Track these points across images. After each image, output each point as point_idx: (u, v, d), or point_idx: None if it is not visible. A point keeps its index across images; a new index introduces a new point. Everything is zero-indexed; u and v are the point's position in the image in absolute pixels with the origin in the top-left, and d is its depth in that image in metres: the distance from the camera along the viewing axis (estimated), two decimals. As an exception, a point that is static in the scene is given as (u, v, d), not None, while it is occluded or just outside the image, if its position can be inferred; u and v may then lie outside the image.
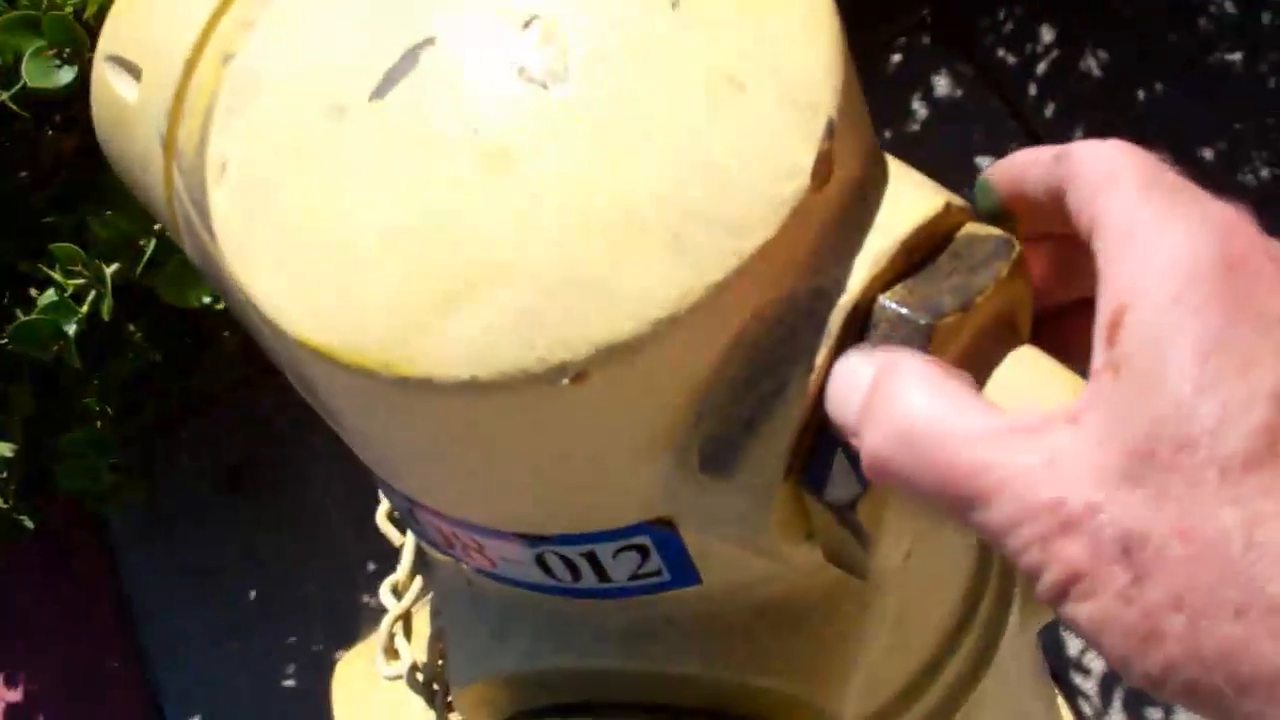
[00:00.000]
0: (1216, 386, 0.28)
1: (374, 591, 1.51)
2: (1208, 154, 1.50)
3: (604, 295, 0.35)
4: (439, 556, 0.49)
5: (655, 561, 0.43)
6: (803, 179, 0.36)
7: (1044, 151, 0.37)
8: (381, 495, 0.66)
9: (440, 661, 0.61)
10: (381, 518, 0.65)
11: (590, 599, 0.45)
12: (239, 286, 0.39)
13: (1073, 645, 1.36)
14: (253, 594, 1.57)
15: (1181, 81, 1.54)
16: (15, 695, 1.67)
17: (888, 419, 0.33)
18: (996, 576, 0.60)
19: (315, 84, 0.39)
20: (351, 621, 1.52)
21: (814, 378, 0.37)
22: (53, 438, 1.24)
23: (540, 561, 0.43)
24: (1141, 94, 1.52)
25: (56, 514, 1.34)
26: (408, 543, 0.64)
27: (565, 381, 0.35)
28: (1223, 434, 0.28)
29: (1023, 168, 0.38)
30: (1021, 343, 0.40)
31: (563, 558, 0.43)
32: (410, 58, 0.38)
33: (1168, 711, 1.33)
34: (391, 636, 0.62)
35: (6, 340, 1.21)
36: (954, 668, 0.59)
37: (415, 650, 0.62)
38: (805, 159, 0.36)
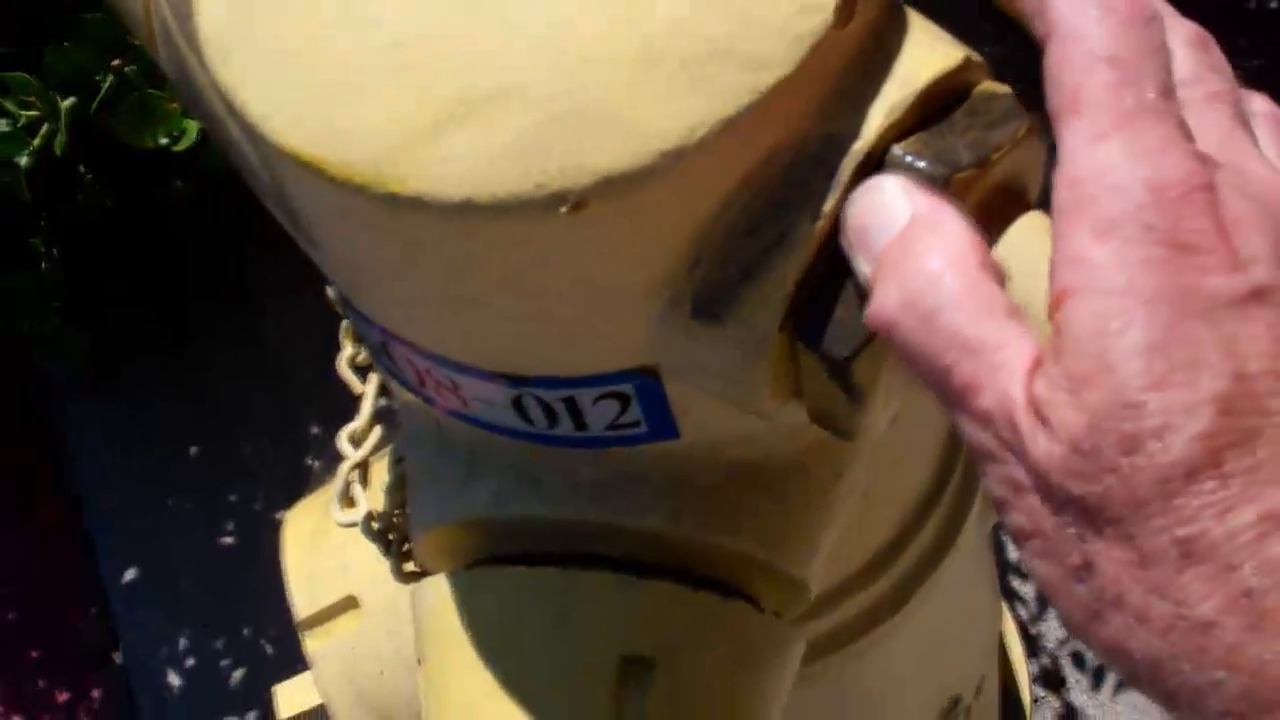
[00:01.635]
0: (1163, 387, 0.27)
1: (318, 454, 1.50)
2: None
3: (610, 124, 0.34)
4: (408, 397, 0.48)
5: (635, 412, 0.42)
6: (825, 15, 0.34)
7: None
8: (342, 341, 0.65)
9: (397, 510, 0.60)
10: (343, 364, 0.64)
11: (564, 447, 0.44)
12: (223, 94, 0.37)
13: (1013, 550, 1.38)
14: (193, 450, 1.56)
15: None
16: (-53, 538, 1.66)
17: (917, 283, 0.32)
18: (964, 460, 0.60)
19: (314, -118, 0.37)
20: (293, 483, 1.51)
21: (820, 226, 0.36)
22: (-1, 278, 1.21)
23: (518, 405, 0.42)
24: None
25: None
26: (368, 390, 0.63)
27: (563, 210, 0.34)
28: (1168, 437, 0.27)
29: None
30: (1030, 209, 0.39)
31: (541, 402, 0.42)
32: None
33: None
34: (348, 484, 0.61)
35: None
36: (918, 546, 0.59)
37: (372, 499, 0.61)
38: (829, -6, 0.34)
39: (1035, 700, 1.32)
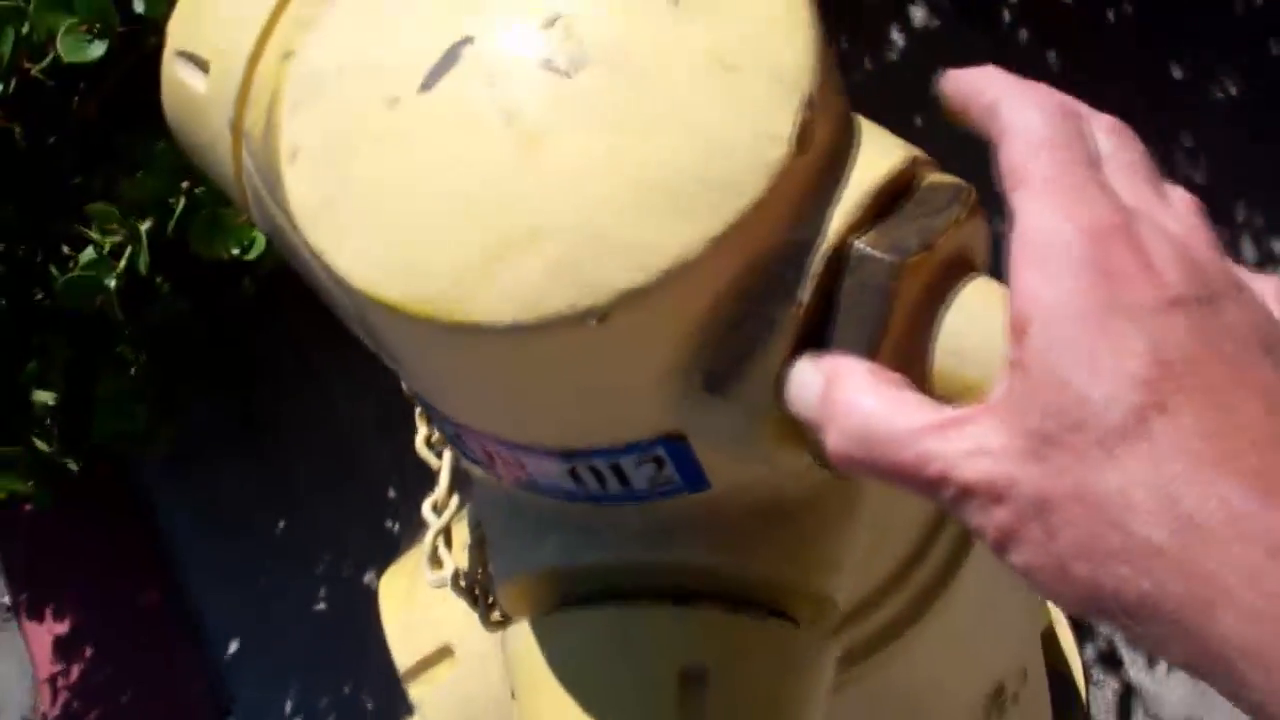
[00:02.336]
0: (1099, 377, 0.35)
1: (397, 518, 1.59)
2: (1177, 73, 1.56)
3: (621, 250, 0.42)
4: (480, 474, 0.56)
5: (670, 470, 0.51)
6: (786, 147, 0.43)
7: (985, 90, 0.43)
8: (419, 424, 0.74)
9: (480, 568, 0.69)
10: (420, 444, 0.73)
11: (615, 504, 0.53)
12: (314, 253, 0.46)
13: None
14: (280, 525, 1.66)
15: (1151, 4, 1.61)
16: (62, 629, 1.76)
17: (844, 422, 0.41)
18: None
19: (370, 79, 0.46)
20: (375, 547, 1.60)
21: (797, 311, 0.44)
22: (89, 387, 1.32)
23: (573, 474, 0.51)
24: (1112, 15, 1.58)
25: (94, 459, 1.42)
26: (444, 464, 0.72)
27: (593, 323, 0.43)
28: (1106, 414, 0.35)
29: (969, 98, 0.43)
30: (978, 273, 0.48)
31: (592, 469, 0.51)
32: (452, 54, 0.45)
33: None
34: (435, 548, 0.70)
35: (44, 296, 1.29)
36: (934, 558, 0.67)
37: (457, 559, 0.70)
38: (787, 129, 0.43)
39: (1095, 682, 1.38)
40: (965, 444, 0.38)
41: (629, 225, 0.42)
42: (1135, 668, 1.40)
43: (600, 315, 0.43)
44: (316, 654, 1.63)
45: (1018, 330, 0.38)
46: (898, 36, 1.66)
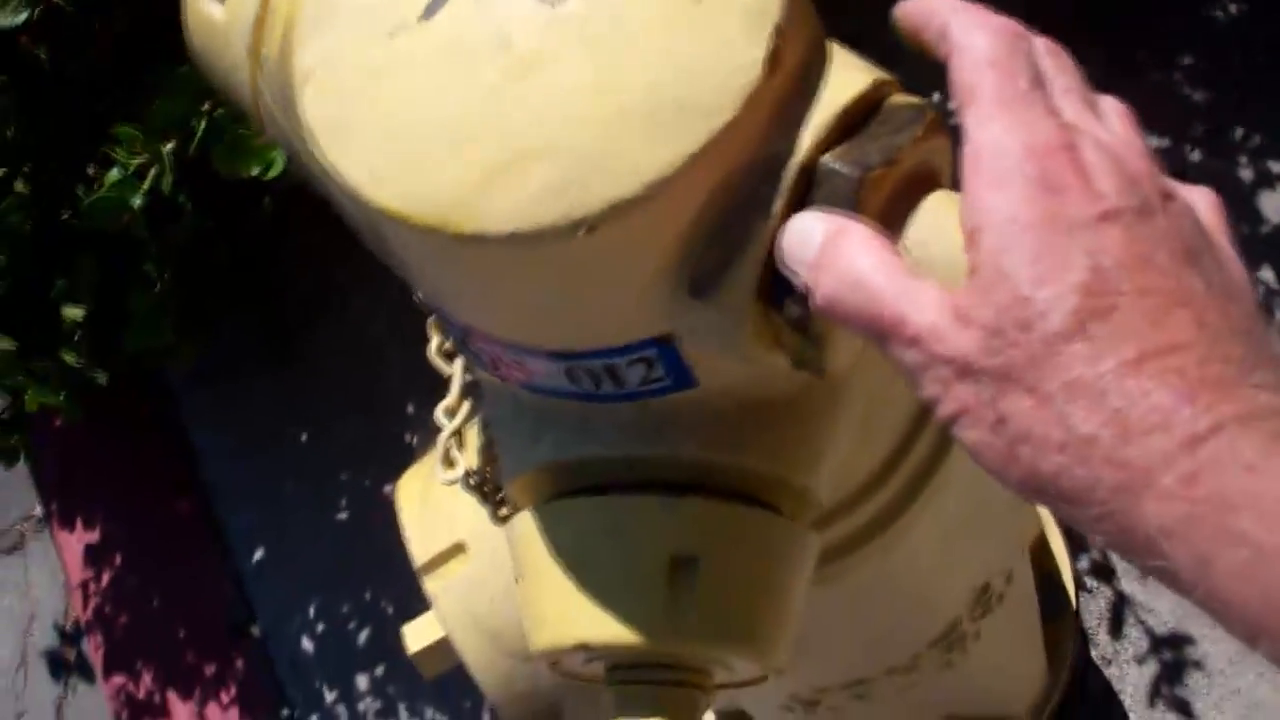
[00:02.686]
0: (1043, 283, 0.40)
1: (416, 431, 1.65)
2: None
3: (608, 167, 0.46)
4: (487, 377, 0.61)
5: (659, 370, 0.55)
6: (756, 70, 0.47)
7: (936, 13, 0.47)
8: (430, 332, 0.78)
9: (489, 467, 0.73)
10: (432, 351, 0.77)
11: (610, 402, 0.57)
12: (328, 166, 0.50)
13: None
14: (303, 437, 1.71)
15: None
16: (93, 537, 1.83)
17: (840, 271, 0.45)
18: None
19: (377, 8, 0.50)
20: (394, 458, 1.65)
21: (773, 223, 0.48)
22: (117, 303, 1.36)
23: (570, 374, 0.55)
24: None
25: (124, 374, 1.47)
26: (455, 372, 0.77)
27: (583, 232, 0.47)
28: (1049, 317, 0.39)
29: (921, 20, 0.47)
30: (940, 188, 0.51)
31: (587, 370, 0.55)
32: (451, -15, 0.49)
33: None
34: (447, 449, 0.75)
35: (70, 216, 1.33)
36: (915, 457, 0.72)
37: (468, 460, 0.75)
38: (756, 55, 0.47)
39: (1089, 590, 1.43)
40: (940, 319, 0.42)
41: (614, 145, 0.46)
42: (1127, 578, 1.45)
43: (590, 226, 0.47)
44: (338, 563, 1.69)
45: (970, 236, 0.42)
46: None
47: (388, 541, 1.67)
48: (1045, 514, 1.34)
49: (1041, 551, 1.33)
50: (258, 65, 0.56)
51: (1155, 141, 1.50)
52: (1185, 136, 1.50)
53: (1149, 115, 1.53)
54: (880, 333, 0.44)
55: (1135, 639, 1.44)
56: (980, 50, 0.44)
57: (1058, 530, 1.35)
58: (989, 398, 0.40)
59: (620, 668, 0.61)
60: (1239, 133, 1.50)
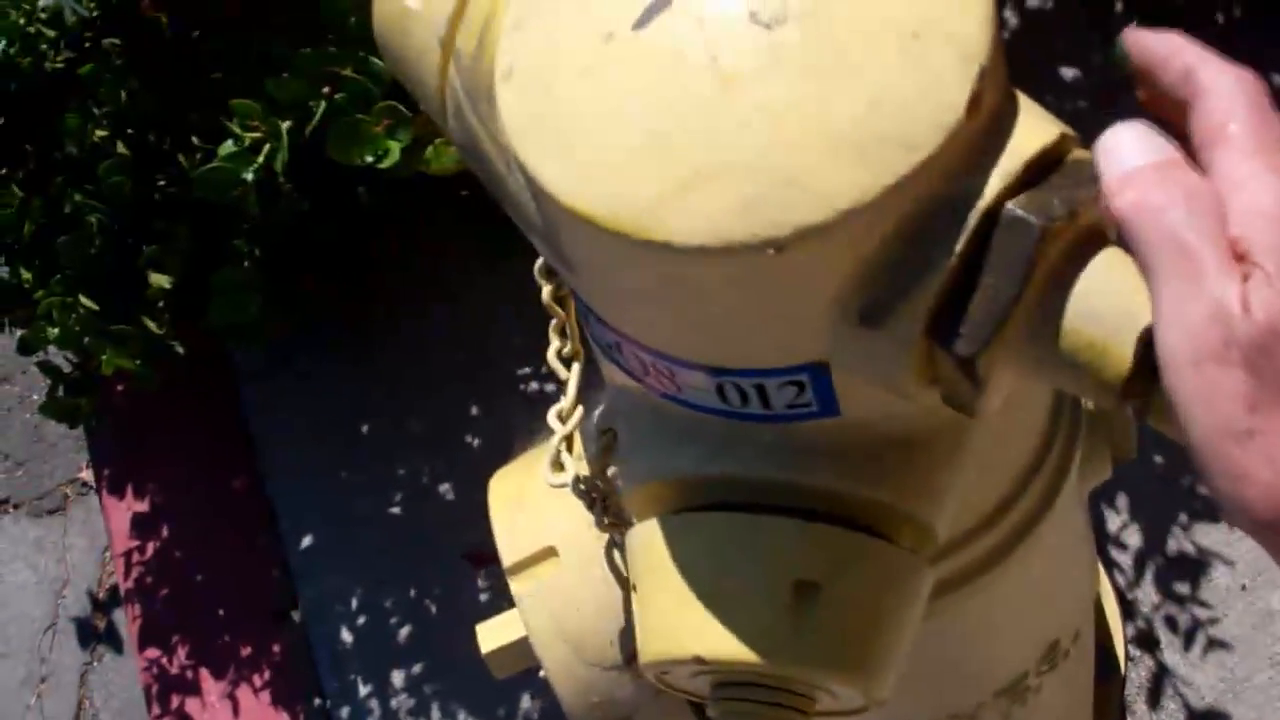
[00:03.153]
0: None
1: (476, 433, 1.66)
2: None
3: (805, 190, 0.47)
4: (628, 383, 0.62)
5: (808, 395, 0.56)
6: (959, 111, 0.48)
7: (1178, 55, 0.47)
8: (551, 337, 0.79)
9: (601, 473, 0.74)
10: (551, 356, 0.78)
11: (753, 422, 0.58)
12: (520, 165, 0.51)
13: (1112, 522, 1.50)
14: (365, 429, 1.73)
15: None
16: (142, 506, 1.84)
17: (1167, 190, 0.43)
18: (1064, 430, 0.73)
19: (588, 12, 0.51)
20: (453, 458, 1.67)
21: (953, 261, 0.49)
22: (205, 276, 1.38)
23: (719, 390, 0.56)
24: (1221, 18, 1.60)
25: (201, 345, 1.49)
26: (572, 377, 0.78)
27: (770, 252, 0.48)
28: None
29: (1159, 61, 0.47)
30: (1110, 245, 0.52)
31: (738, 388, 0.56)
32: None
33: (1194, 586, 1.47)
34: (558, 452, 0.76)
35: (168, 183, 1.35)
36: (1023, 505, 0.73)
37: (577, 465, 0.76)
38: (961, 96, 0.48)
39: (1131, 659, 1.43)
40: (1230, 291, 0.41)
41: (812, 168, 0.47)
42: (1170, 650, 1.45)
43: (779, 246, 0.48)
44: (386, 556, 1.70)
45: (1238, 244, 0.41)
46: (1010, 15, 1.69)
47: (438, 540, 1.68)
48: (1103, 579, 1.34)
49: (1095, 614, 1.34)
50: (449, 56, 0.58)
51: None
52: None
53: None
54: (1162, 271, 0.42)
55: (1172, 711, 1.45)
56: (1234, 94, 0.45)
57: (1112, 594, 1.35)
58: (1248, 398, 0.40)
59: (729, 684, 0.62)
60: None
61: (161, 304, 1.39)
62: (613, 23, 0.50)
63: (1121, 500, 1.51)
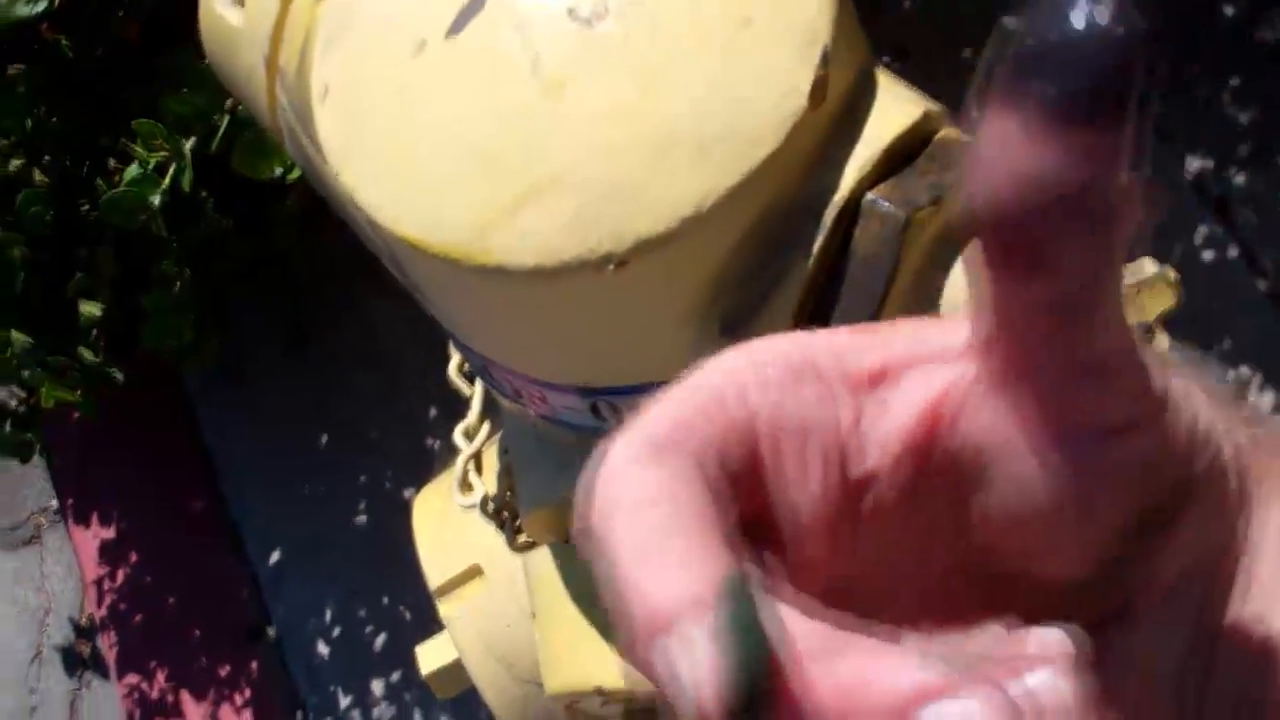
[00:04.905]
0: None
1: (438, 435, 1.62)
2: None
3: (641, 199, 0.44)
4: (508, 404, 0.58)
5: (687, 409, 0.52)
6: (802, 99, 0.44)
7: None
8: (452, 350, 0.75)
9: (509, 493, 0.71)
10: (453, 371, 0.74)
11: (634, 440, 0.54)
12: (343, 190, 0.48)
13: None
14: (324, 439, 1.69)
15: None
16: (109, 533, 1.81)
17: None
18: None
19: (399, 22, 0.47)
20: (415, 461, 1.63)
21: (812, 262, 0.46)
22: (136, 299, 1.34)
23: (594, 410, 0.53)
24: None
25: (140, 370, 1.45)
26: (476, 392, 0.74)
27: (611, 268, 0.44)
28: None
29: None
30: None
31: (611, 405, 0.52)
32: (478, 1, 0.46)
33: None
34: (465, 473, 0.72)
35: (90, 208, 1.31)
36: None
37: (487, 483, 0.72)
38: (804, 83, 0.44)
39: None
40: None
41: (648, 175, 0.44)
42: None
43: (618, 261, 0.44)
44: (356, 565, 1.67)
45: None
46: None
47: (406, 546, 1.65)
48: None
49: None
50: (275, 76, 0.54)
51: (1199, 163, 1.46)
52: (1230, 158, 1.47)
53: (1193, 133, 1.48)
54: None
55: None
56: None
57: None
58: None
59: (639, 712, 0.58)
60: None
61: (95, 332, 1.36)
62: (425, 31, 0.47)
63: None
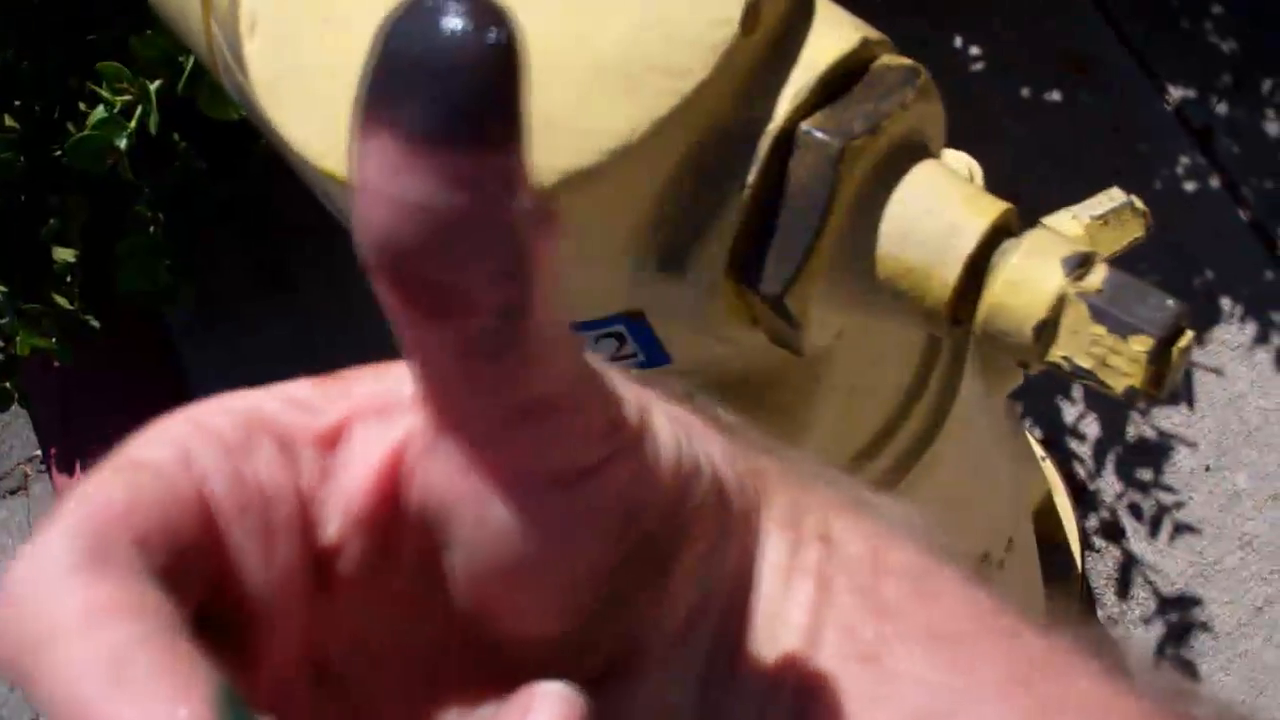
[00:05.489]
0: None
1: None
2: None
3: (570, 132, 0.43)
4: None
5: (631, 345, 0.52)
6: (732, 27, 0.43)
7: None
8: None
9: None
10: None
11: (579, 377, 0.54)
12: (271, 124, 0.47)
13: (1068, 413, 1.46)
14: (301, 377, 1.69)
15: None
16: (90, 480, 1.81)
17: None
18: (948, 347, 0.69)
19: (326, -47, 0.46)
20: (396, 406, 1.63)
21: (747, 193, 0.45)
22: (110, 245, 1.33)
23: (535, 347, 0.52)
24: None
25: (118, 315, 1.44)
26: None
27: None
28: None
29: None
30: (929, 157, 0.48)
31: (553, 344, 0.52)
32: (403, -70, 0.45)
33: (1156, 472, 1.43)
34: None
35: (62, 154, 1.30)
36: (909, 429, 0.68)
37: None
38: (734, 11, 0.43)
39: (1096, 550, 1.40)
40: None
41: (576, 108, 0.43)
42: (1136, 538, 1.42)
43: (547, 196, 0.43)
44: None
45: None
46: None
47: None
48: (1052, 476, 1.31)
49: (1047, 514, 1.30)
50: (209, 10, 0.53)
51: (1181, 92, 1.45)
52: (1212, 87, 1.45)
53: (1177, 64, 1.47)
54: None
55: (1142, 600, 1.42)
56: None
57: (1065, 492, 1.32)
58: None
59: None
60: (1267, 85, 1.45)
61: (69, 279, 1.35)
62: (350, -39, 0.46)
63: (1076, 390, 1.47)
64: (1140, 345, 0.43)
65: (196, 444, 0.21)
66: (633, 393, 0.22)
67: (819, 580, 0.24)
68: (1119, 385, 0.44)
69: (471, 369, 0.19)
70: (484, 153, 0.18)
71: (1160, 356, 0.43)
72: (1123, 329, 0.43)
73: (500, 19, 0.18)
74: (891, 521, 0.26)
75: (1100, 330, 0.44)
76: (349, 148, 0.18)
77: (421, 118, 0.17)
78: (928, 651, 0.23)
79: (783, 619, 0.23)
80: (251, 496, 0.21)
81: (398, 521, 0.21)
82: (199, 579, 0.20)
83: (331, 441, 0.22)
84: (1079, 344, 0.44)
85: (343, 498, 0.21)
